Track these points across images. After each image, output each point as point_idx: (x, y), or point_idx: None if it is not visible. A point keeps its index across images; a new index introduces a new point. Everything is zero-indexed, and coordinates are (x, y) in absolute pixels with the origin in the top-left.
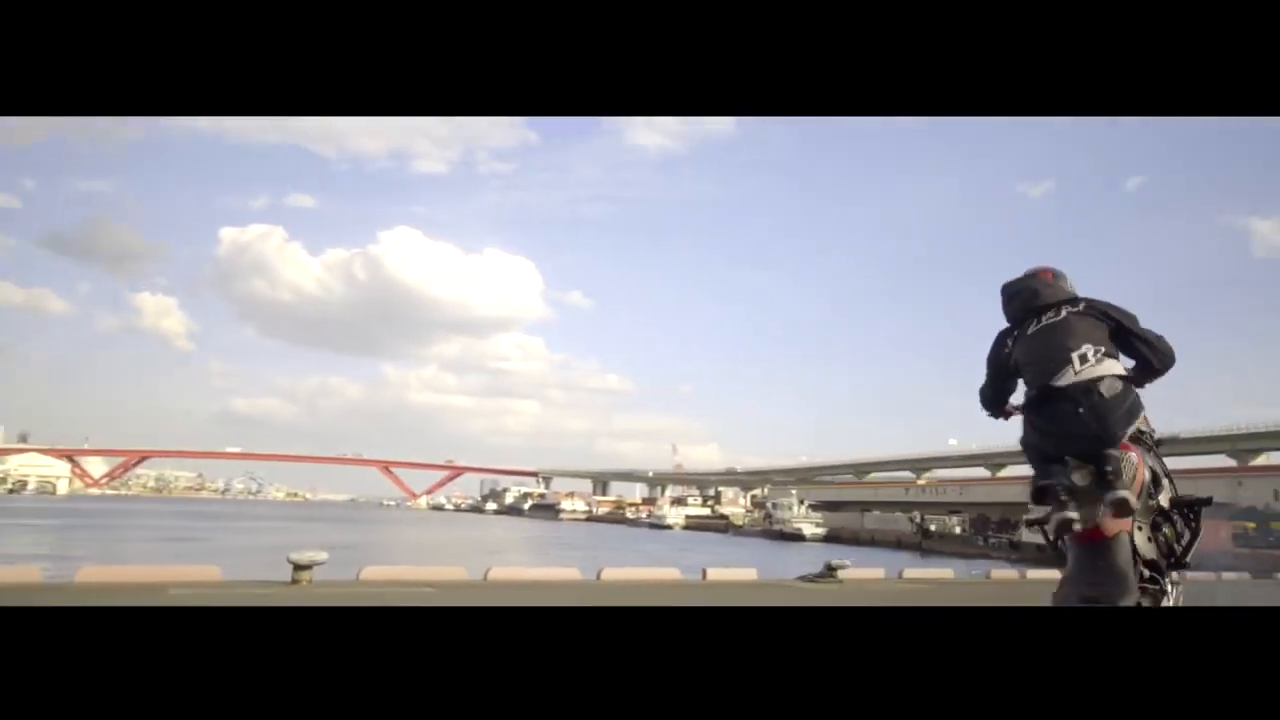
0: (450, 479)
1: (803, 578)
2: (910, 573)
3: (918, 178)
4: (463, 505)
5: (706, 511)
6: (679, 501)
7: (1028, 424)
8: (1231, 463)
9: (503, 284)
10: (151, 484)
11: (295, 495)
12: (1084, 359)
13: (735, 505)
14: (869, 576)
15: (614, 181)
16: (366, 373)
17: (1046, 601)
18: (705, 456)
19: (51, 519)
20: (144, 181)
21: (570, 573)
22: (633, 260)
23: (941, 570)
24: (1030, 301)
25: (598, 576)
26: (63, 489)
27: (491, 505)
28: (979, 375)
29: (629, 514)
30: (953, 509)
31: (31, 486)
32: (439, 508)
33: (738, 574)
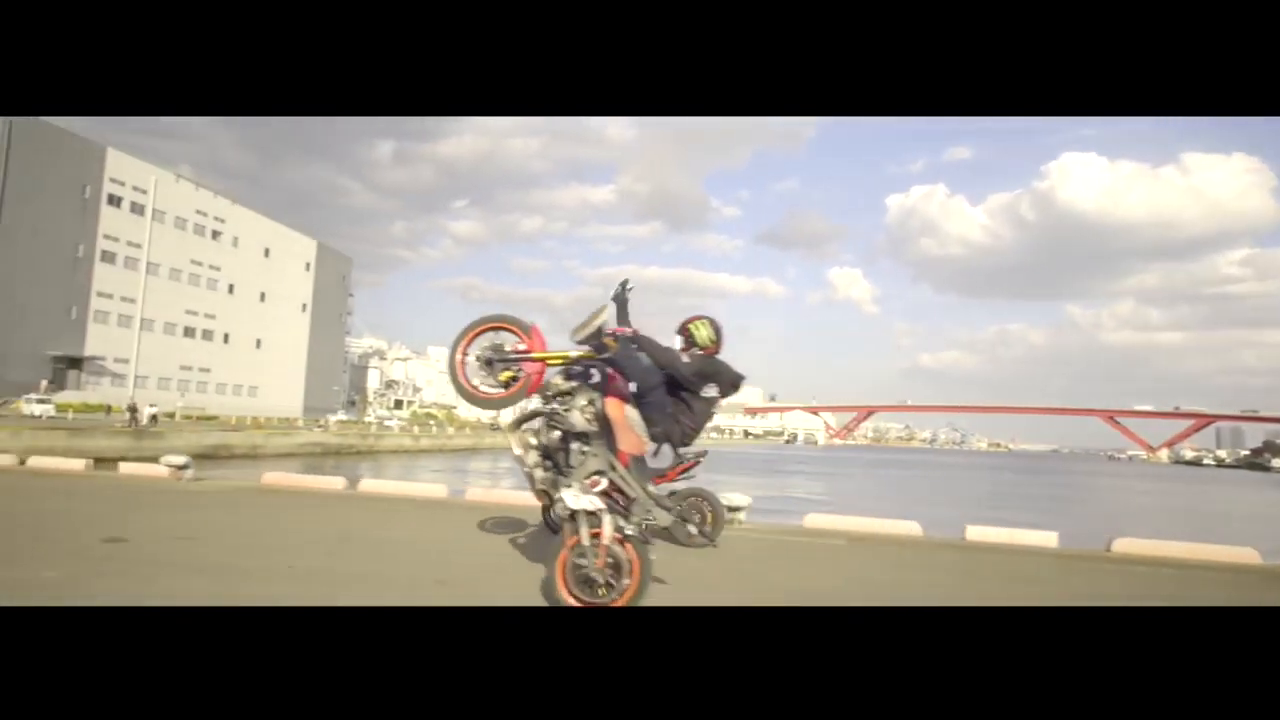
0: (1197, 428)
1: None
2: None
3: None
4: (1224, 460)
5: None
6: None
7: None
8: None
9: (1213, 191)
10: (870, 435)
11: (997, 445)
12: None
13: None
14: None
15: None
16: (1048, 317)
17: None
18: None
19: (884, 468)
20: (821, 171)
21: None
22: None
23: None
24: None
25: None
26: (821, 440)
27: (1277, 462)
28: None
29: None
30: None
31: (800, 439)
32: (1193, 462)
33: None
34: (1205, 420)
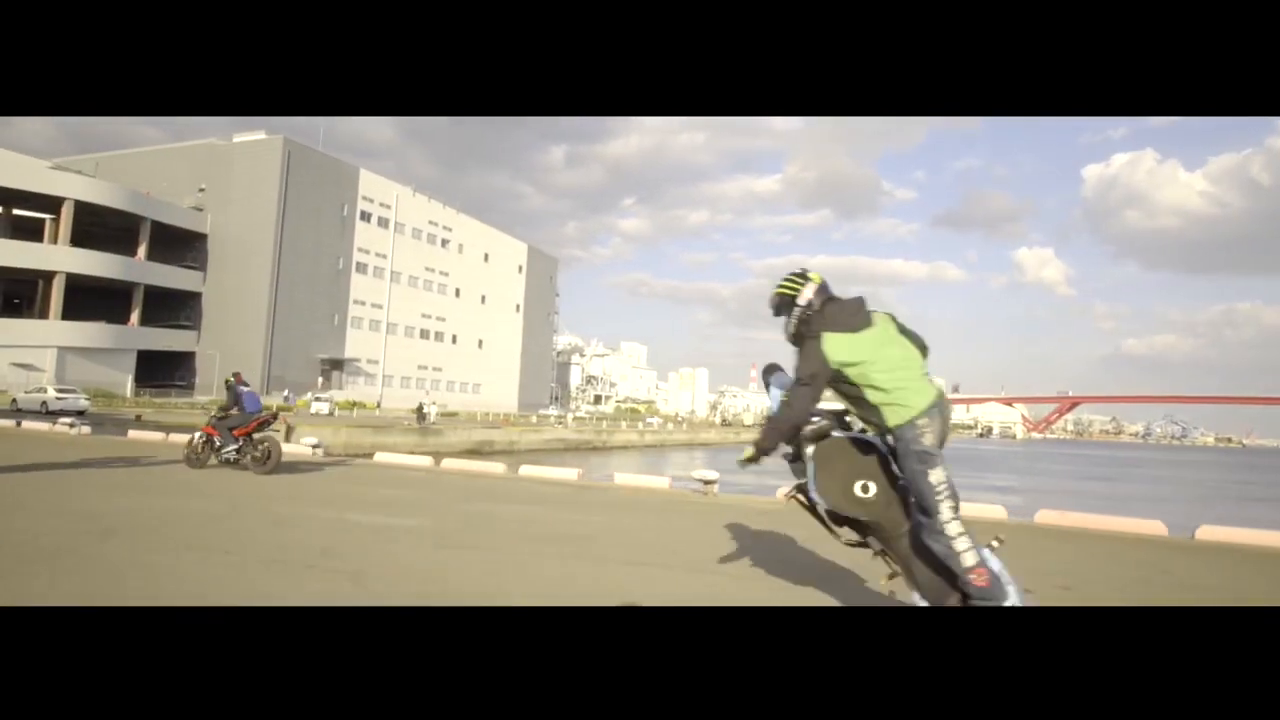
0: None
1: None
2: None
3: None
4: None
5: None
6: None
7: None
8: None
9: None
10: (1070, 429)
11: (1228, 440)
12: None
13: None
14: None
15: None
16: None
17: None
18: None
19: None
20: (1005, 146)
21: None
22: None
23: None
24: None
25: None
26: (1019, 434)
27: None
28: None
29: None
30: None
31: (996, 432)
32: None
33: None
34: None
